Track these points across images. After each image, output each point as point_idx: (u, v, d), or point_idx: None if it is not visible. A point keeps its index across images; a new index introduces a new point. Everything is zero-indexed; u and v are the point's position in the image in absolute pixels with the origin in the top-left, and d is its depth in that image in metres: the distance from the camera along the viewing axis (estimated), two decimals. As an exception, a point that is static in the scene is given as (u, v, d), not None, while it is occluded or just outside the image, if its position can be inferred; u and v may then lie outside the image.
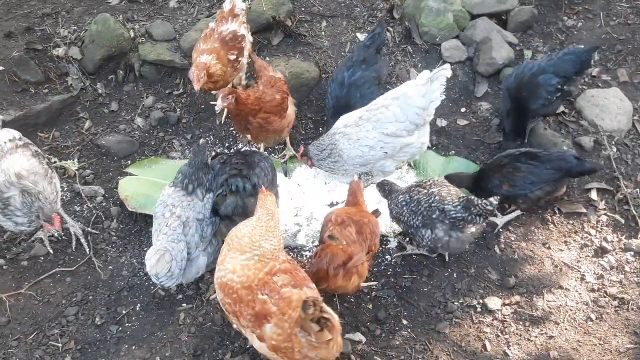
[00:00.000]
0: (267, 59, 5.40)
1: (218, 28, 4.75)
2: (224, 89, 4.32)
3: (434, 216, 3.84)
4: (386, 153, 4.23)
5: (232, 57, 4.72)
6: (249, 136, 4.60)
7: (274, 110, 4.46)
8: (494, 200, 3.72)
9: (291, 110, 4.70)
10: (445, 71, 4.03)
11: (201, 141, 3.96)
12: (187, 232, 3.63)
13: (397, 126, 4.13)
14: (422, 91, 4.07)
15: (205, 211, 3.74)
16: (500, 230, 4.35)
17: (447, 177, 4.26)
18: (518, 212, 4.39)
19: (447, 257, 4.18)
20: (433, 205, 3.86)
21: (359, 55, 4.76)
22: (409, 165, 4.85)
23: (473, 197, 3.79)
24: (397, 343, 3.74)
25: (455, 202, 3.81)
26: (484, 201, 3.71)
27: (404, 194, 4.05)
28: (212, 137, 5.08)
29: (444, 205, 3.83)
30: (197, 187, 3.79)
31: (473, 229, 3.88)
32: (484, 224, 3.92)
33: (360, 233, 3.59)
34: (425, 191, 3.96)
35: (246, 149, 4.39)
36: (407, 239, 4.29)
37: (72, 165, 4.76)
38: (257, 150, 4.29)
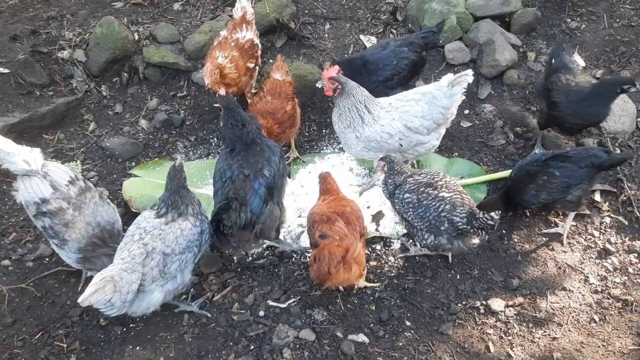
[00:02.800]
0: (271, 60, 5.43)
1: (232, 35, 4.79)
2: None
3: (442, 228, 3.79)
4: (401, 145, 4.25)
5: (251, 66, 4.79)
6: None
7: (287, 122, 4.50)
8: (495, 214, 3.68)
9: (298, 113, 4.74)
10: (467, 76, 4.12)
11: (177, 160, 3.71)
12: (147, 262, 3.39)
13: (422, 122, 4.18)
14: (447, 92, 4.14)
15: (176, 246, 3.48)
16: (564, 238, 4.31)
17: (479, 206, 4.14)
18: (572, 215, 4.31)
19: (450, 258, 4.18)
20: (442, 215, 3.77)
21: (410, 37, 4.92)
22: (412, 166, 4.85)
23: (476, 211, 3.73)
24: (400, 344, 3.74)
25: (462, 214, 3.74)
26: (486, 215, 3.66)
27: (411, 192, 3.91)
28: (215, 139, 5.11)
29: (453, 216, 3.75)
30: (170, 210, 3.56)
31: (476, 240, 3.86)
32: (486, 237, 3.89)
33: (348, 223, 3.59)
34: (435, 193, 3.85)
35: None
36: (410, 241, 4.29)
37: (75, 168, 4.78)
38: (263, 164, 3.96)
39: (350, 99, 4.18)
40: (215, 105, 4.92)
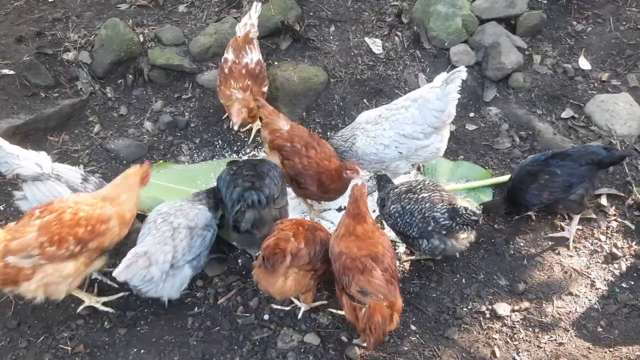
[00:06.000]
0: (276, 63, 5.42)
1: (240, 60, 4.73)
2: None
3: (429, 228, 3.76)
4: (401, 153, 4.23)
5: (264, 90, 4.75)
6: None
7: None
8: (477, 209, 3.65)
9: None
10: (461, 73, 4.01)
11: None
12: (176, 236, 3.56)
13: (415, 128, 4.13)
14: (439, 93, 4.06)
15: (198, 220, 3.69)
16: (570, 242, 4.28)
17: (484, 206, 4.24)
18: (577, 218, 4.29)
19: (457, 254, 4.13)
20: (426, 215, 3.75)
21: None
22: (418, 170, 4.84)
23: (459, 206, 3.69)
24: (406, 349, 3.72)
25: (443, 209, 3.72)
26: (468, 210, 3.63)
27: (395, 202, 3.92)
28: (220, 141, 5.10)
29: (434, 213, 3.74)
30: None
31: (464, 235, 3.81)
32: (473, 232, 3.85)
33: (384, 270, 3.33)
34: (416, 197, 3.84)
35: (254, 155, 4.37)
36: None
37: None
38: (264, 158, 4.27)
39: (347, 144, 4.35)
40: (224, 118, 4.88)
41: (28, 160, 3.60)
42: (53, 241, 3.28)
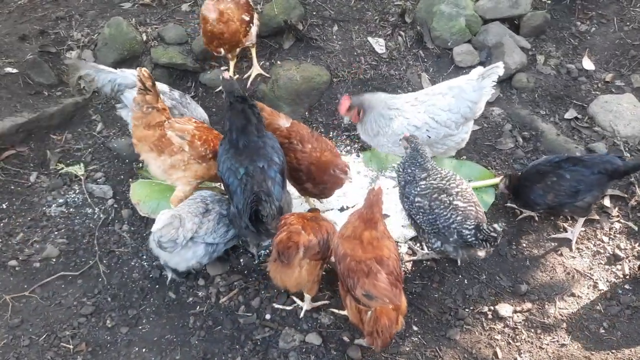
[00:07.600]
0: (279, 62, 5.42)
1: None
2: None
3: (451, 239, 3.68)
4: (429, 137, 4.20)
5: (246, 18, 4.93)
6: None
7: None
8: (498, 226, 3.56)
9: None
10: (498, 69, 4.06)
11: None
12: (207, 215, 3.88)
13: (449, 116, 4.15)
14: (475, 85, 4.11)
15: (230, 212, 3.91)
16: (573, 243, 4.26)
17: (508, 175, 4.27)
18: (582, 220, 4.26)
19: (458, 261, 4.15)
20: (453, 226, 3.64)
21: None
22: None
23: (481, 223, 3.61)
24: (407, 349, 3.72)
25: (471, 226, 3.61)
26: (488, 227, 3.54)
27: (423, 197, 3.74)
28: (222, 140, 5.11)
29: (462, 229, 3.62)
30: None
31: (482, 253, 3.75)
32: (491, 250, 3.79)
33: (389, 274, 3.28)
34: (448, 201, 3.68)
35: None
36: (417, 245, 4.27)
37: (79, 170, 4.78)
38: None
39: (373, 112, 4.25)
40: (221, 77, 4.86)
41: (124, 72, 4.45)
42: (201, 138, 4.10)
